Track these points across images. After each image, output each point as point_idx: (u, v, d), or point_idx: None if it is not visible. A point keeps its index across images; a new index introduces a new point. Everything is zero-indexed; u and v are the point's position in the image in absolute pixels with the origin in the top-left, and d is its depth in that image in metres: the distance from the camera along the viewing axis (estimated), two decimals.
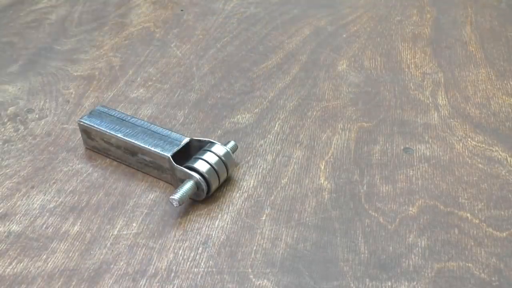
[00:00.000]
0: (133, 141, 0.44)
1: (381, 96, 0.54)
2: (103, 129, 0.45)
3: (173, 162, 0.42)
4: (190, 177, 0.41)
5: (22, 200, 0.43)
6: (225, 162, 0.42)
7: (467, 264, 0.37)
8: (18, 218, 0.42)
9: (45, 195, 0.44)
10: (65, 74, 0.58)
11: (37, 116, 0.52)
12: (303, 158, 0.47)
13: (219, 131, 0.50)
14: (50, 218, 0.41)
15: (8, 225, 0.41)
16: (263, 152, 0.47)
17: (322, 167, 0.46)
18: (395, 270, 0.37)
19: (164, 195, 0.43)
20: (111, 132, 0.45)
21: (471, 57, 0.60)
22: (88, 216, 0.42)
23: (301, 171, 0.45)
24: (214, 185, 0.42)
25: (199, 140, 0.44)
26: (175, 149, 0.43)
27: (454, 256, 0.38)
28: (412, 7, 0.71)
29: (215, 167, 0.42)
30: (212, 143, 0.43)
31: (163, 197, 0.43)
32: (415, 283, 0.36)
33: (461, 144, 0.48)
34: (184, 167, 0.42)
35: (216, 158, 0.42)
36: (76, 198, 0.43)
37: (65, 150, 0.48)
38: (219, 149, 0.43)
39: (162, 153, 0.42)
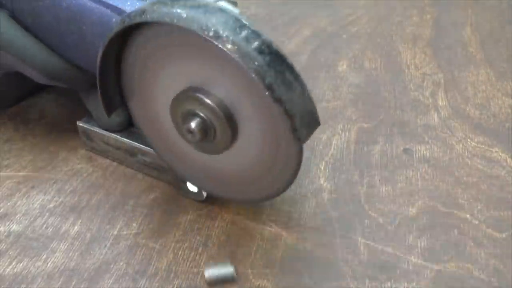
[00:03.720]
0: (132, 142, 0.44)
1: (381, 96, 0.54)
2: (102, 130, 0.45)
3: None
4: None
5: (22, 200, 0.43)
6: None
7: (466, 265, 0.37)
8: (18, 218, 0.42)
9: (45, 195, 0.44)
10: None
11: (37, 115, 0.52)
12: (303, 159, 0.46)
13: None
14: (50, 218, 0.42)
15: (8, 225, 0.41)
16: None
17: (322, 168, 0.46)
18: (395, 270, 0.37)
19: (164, 195, 0.43)
20: (111, 133, 0.45)
21: (471, 58, 0.60)
22: (88, 216, 0.42)
23: (300, 171, 0.45)
24: None
25: None
26: None
27: (453, 257, 0.38)
28: (412, 8, 0.71)
29: None
30: None
31: (163, 197, 0.43)
32: (414, 284, 0.36)
33: (460, 145, 0.48)
34: None
35: None
36: (76, 198, 0.43)
37: (66, 150, 0.48)
38: None
39: None
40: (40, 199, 0.43)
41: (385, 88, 0.56)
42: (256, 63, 0.30)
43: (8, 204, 0.43)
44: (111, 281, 0.37)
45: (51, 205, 0.43)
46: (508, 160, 0.46)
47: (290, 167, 0.35)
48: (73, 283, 0.37)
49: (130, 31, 0.35)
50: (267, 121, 0.33)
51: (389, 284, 0.36)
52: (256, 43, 0.31)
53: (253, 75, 0.30)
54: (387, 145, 0.48)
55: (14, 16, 0.42)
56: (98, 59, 0.36)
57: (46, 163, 0.47)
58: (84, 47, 0.41)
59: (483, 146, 0.48)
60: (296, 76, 0.32)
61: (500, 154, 0.47)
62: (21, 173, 0.46)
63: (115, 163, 0.46)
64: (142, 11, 0.33)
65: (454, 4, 0.72)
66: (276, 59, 0.31)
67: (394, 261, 0.38)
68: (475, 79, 0.57)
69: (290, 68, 0.32)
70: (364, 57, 0.61)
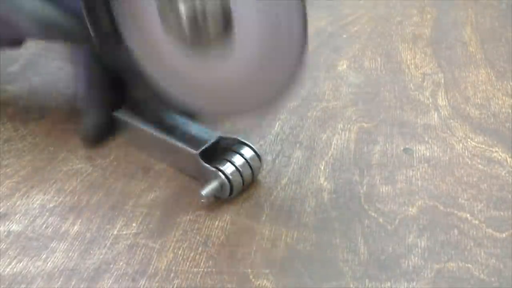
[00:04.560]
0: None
1: (381, 96, 0.54)
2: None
3: (201, 161, 0.42)
4: (216, 177, 0.41)
5: (22, 199, 0.43)
6: (252, 165, 0.42)
7: (466, 265, 0.37)
8: (18, 218, 0.42)
9: (45, 194, 0.44)
10: (65, 74, 0.58)
11: (37, 115, 0.52)
12: (303, 159, 0.47)
13: (219, 131, 0.50)
14: (50, 218, 0.42)
15: (8, 224, 0.41)
16: (263, 152, 0.47)
17: (322, 168, 0.46)
18: (395, 270, 0.37)
19: (164, 195, 0.43)
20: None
21: (471, 58, 0.60)
22: (88, 216, 0.42)
23: (301, 171, 0.45)
24: (238, 189, 0.42)
25: (225, 138, 0.44)
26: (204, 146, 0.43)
27: (453, 256, 0.38)
28: (412, 7, 0.71)
29: (241, 170, 0.42)
30: (241, 145, 0.43)
31: (163, 197, 0.43)
32: (414, 283, 0.36)
33: (461, 145, 0.48)
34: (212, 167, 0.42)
35: (243, 161, 0.42)
36: (76, 198, 0.43)
37: (65, 150, 0.48)
38: (247, 152, 0.43)
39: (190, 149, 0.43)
40: (40, 199, 0.43)
41: (385, 88, 0.56)
42: None
43: (8, 204, 0.43)
44: (110, 281, 0.37)
45: (51, 205, 0.43)
46: (508, 160, 0.46)
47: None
48: (73, 283, 0.37)
49: None
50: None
51: (389, 284, 0.36)
52: None
53: None
54: (387, 145, 0.48)
55: None
56: None
57: (45, 163, 0.47)
58: None
59: (483, 146, 0.47)
60: None
61: (500, 154, 0.47)
62: (20, 173, 0.46)
63: (115, 163, 0.46)
64: None
65: (454, 4, 0.72)
66: None
67: (394, 261, 0.38)
68: (475, 79, 0.57)
69: None
70: (364, 57, 0.61)
